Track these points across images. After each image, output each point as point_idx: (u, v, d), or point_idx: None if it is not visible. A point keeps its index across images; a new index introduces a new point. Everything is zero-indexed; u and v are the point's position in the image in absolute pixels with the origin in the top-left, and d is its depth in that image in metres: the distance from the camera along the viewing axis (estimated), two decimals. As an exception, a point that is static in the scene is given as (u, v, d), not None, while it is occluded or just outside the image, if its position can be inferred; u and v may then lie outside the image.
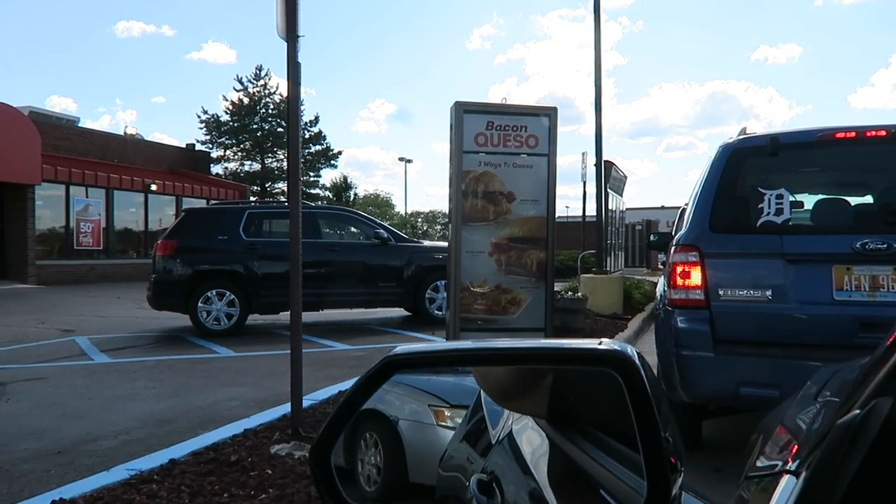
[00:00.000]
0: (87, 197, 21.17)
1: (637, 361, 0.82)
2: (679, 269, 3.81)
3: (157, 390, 5.80)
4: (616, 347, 0.84)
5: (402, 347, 0.96)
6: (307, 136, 41.05)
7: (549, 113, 6.48)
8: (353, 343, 8.39)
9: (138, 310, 11.95)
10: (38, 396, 5.61)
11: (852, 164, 4.00)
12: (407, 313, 10.91)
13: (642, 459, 0.79)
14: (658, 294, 4.45)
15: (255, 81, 40.42)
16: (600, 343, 0.86)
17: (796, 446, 1.00)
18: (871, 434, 0.73)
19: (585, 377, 1.01)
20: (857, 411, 0.75)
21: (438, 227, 61.87)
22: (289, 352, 4.30)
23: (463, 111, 6.30)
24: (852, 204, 3.97)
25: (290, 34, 4.22)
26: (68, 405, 5.28)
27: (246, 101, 40.30)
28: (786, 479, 0.81)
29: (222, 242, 9.56)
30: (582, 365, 0.90)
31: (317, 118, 42.57)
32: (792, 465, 0.84)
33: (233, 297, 9.27)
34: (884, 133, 3.64)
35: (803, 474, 0.79)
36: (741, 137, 3.99)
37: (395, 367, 0.94)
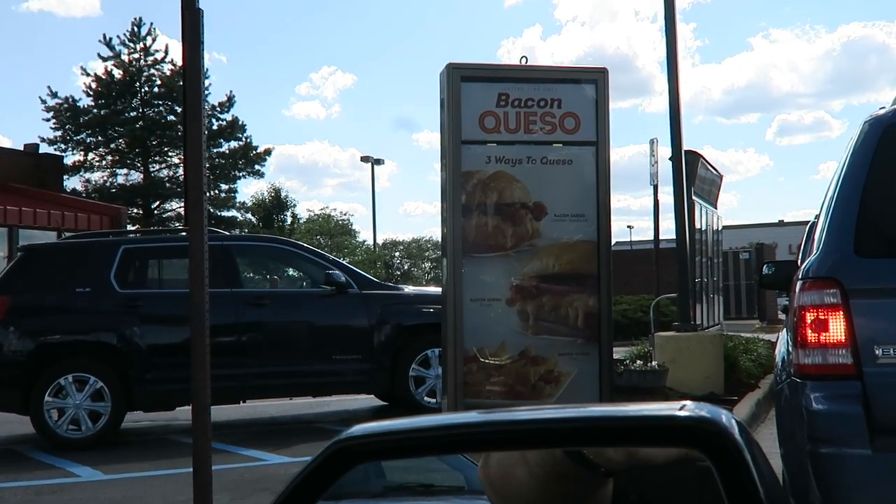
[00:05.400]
0: None
1: (738, 437, 0.84)
2: (810, 317, 3.82)
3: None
4: (704, 413, 0.86)
5: (364, 426, 0.97)
6: (216, 126, 41.34)
7: (596, 77, 6.57)
8: (296, 454, 8.30)
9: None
10: None
11: None
12: (381, 403, 10.84)
13: None
14: (779, 359, 4.45)
15: (131, 43, 40.89)
16: (682, 407, 0.89)
17: None
18: None
19: (672, 478, 1.02)
20: None
21: (427, 263, 61.92)
22: (191, 471, 4.29)
23: (460, 78, 6.38)
24: None
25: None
26: None
27: (118, 74, 40.68)
28: None
29: (83, 298, 9.53)
30: (649, 442, 0.92)
31: (230, 99, 42.88)
32: None
33: (100, 385, 9.22)
34: None
35: None
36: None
37: (352, 457, 0.96)
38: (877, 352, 3.73)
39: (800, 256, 6.11)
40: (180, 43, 4.48)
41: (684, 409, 0.88)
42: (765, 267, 5.85)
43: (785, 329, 4.43)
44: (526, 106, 6.44)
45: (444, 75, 6.42)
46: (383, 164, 50.53)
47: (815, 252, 3.99)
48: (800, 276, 4.03)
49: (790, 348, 3.97)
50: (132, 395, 9.33)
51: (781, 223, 67.54)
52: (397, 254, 61.93)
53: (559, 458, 1.02)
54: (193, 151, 4.55)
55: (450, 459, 1.97)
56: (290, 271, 12.02)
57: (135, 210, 39.81)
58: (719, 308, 17.84)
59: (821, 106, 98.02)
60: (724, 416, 0.86)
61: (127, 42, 40.79)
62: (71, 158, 40.13)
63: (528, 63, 6.76)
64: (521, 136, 6.47)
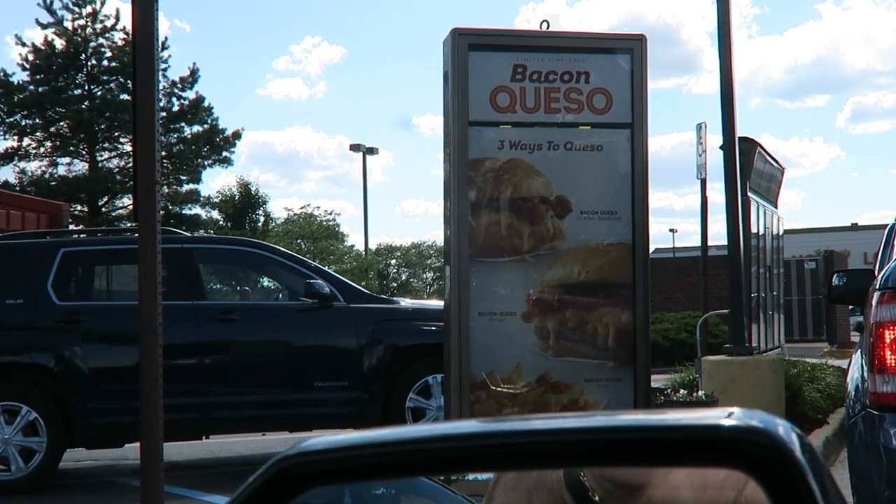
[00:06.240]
0: None
1: (799, 455, 0.83)
2: (890, 336, 3.86)
3: None
4: (755, 422, 0.86)
5: (318, 439, 0.96)
6: (176, 106, 41.45)
7: (633, 46, 6.57)
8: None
9: None
10: None
11: None
12: (371, 438, 10.86)
13: None
14: (851, 387, 4.44)
15: (76, 8, 41.04)
16: (729, 415, 0.88)
17: None
18: None
19: None
20: None
21: (429, 273, 62.10)
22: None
23: (467, 46, 6.37)
24: None
25: None
26: None
27: (60, 44, 40.84)
28: None
29: (14, 312, 9.52)
30: (681, 461, 0.92)
31: (194, 74, 43.03)
32: None
33: (34, 416, 9.20)
34: None
35: None
36: None
37: (300, 479, 0.94)
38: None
39: (877, 265, 6.09)
40: (130, 5, 4.47)
41: (732, 416, 0.86)
42: (835, 278, 5.84)
43: (859, 352, 4.42)
44: (547, 80, 6.43)
45: (449, 43, 6.42)
46: (377, 153, 50.72)
47: (895, 259, 4.01)
48: (877, 288, 4.05)
49: (865, 374, 3.98)
50: (73, 429, 9.30)
51: (855, 227, 67.64)
52: (393, 261, 62.19)
53: (565, 497, 1.01)
54: (145, 134, 4.55)
55: (425, 487, 1.97)
56: (264, 281, 12.05)
57: (79, 207, 39.93)
58: (780, 328, 17.82)
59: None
60: (782, 426, 0.84)
61: (71, 6, 40.94)
62: (2, 144, 40.30)
63: (550, 29, 6.75)
64: (540, 117, 6.47)
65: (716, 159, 12.34)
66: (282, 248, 11.99)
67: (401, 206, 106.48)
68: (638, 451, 0.91)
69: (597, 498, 1.06)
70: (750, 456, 0.83)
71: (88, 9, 40.93)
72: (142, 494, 4.34)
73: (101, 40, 41.09)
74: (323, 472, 0.97)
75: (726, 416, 0.87)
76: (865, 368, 4.01)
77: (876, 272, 4.87)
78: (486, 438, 0.97)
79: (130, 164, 33.60)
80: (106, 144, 41.82)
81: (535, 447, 0.94)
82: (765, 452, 0.83)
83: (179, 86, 41.66)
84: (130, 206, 39.31)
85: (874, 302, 3.98)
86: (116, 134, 41.15)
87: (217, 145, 42.86)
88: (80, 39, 40.85)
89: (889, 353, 3.83)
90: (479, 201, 6.44)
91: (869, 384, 3.91)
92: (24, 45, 40.99)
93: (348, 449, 0.98)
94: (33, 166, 41.37)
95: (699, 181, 16.70)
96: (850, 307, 17.73)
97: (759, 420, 0.85)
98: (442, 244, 7.63)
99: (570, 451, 0.93)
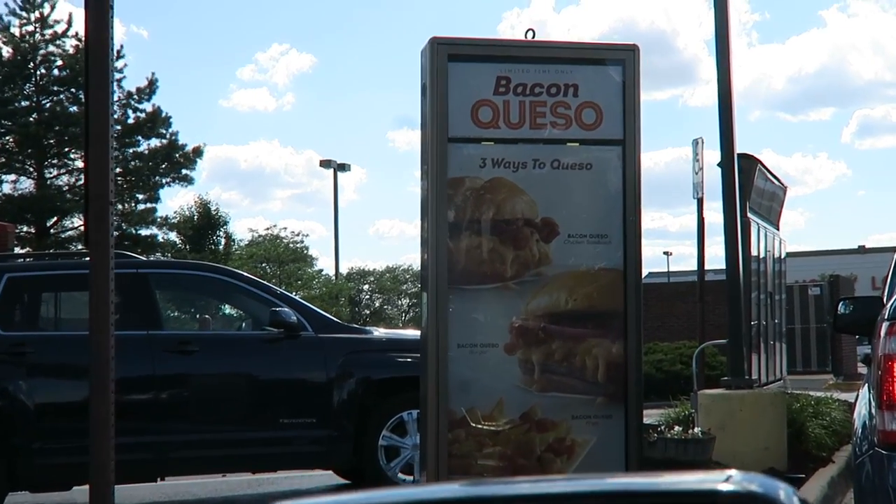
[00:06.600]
0: None
1: None
2: (901, 370, 3.86)
3: None
4: (754, 487, 0.90)
5: (303, 500, 0.96)
6: (132, 118, 41.37)
7: (624, 57, 6.60)
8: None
9: None
10: None
11: None
12: (342, 480, 10.81)
13: None
14: (858, 424, 4.45)
15: (23, 12, 40.97)
16: (727, 479, 0.88)
17: None
18: None
19: None
20: None
21: (404, 299, 62.00)
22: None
23: (447, 56, 6.38)
24: None
25: None
26: None
27: (6, 52, 40.75)
28: None
29: (-47, 342, 9.47)
30: None
31: (152, 84, 43.01)
32: None
33: (-25, 455, 9.14)
34: None
35: None
36: None
37: None
38: None
39: (886, 292, 6.11)
40: (83, 10, 4.46)
41: (730, 480, 0.87)
42: (841, 306, 5.85)
43: (866, 385, 4.43)
44: (533, 93, 6.45)
45: (427, 53, 6.43)
46: (349, 170, 50.82)
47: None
48: (886, 317, 4.06)
49: (873, 410, 3.99)
50: (16, 471, 9.23)
51: (862, 249, 68.08)
52: (366, 287, 62.02)
53: None
54: (98, 149, 4.54)
55: None
56: (226, 309, 12.00)
57: (25, 228, 39.73)
58: (782, 359, 17.86)
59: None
60: (783, 491, 0.85)
61: (18, 10, 40.88)
62: (-60, 160, 40.06)
63: (536, 38, 6.77)
64: (525, 133, 6.48)
65: (713, 177, 12.36)
66: (245, 273, 11.97)
67: (375, 226, 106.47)
68: None
69: None
70: None
71: (37, 13, 40.85)
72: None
73: (50, 48, 41.03)
74: None
75: (724, 479, 0.87)
76: (873, 404, 4.02)
77: (885, 300, 4.88)
78: (478, 501, 0.98)
79: (81, 182, 33.59)
80: (55, 161, 41.69)
81: None
82: None
83: (136, 97, 41.62)
84: (81, 227, 39.17)
85: (883, 332, 3.99)
86: (67, 149, 41.02)
87: (176, 162, 42.79)
88: (27, 46, 40.77)
89: (900, 387, 3.84)
90: (458, 223, 6.45)
91: (877, 421, 3.92)
92: (-36, 51, 40.85)
93: None
94: (-24, 184, 41.17)
95: (696, 200, 16.71)
96: (858, 336, 17.77)
97: (758, 484, 0.86)
98: (419, 269, 7.62)
99: None
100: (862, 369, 21.27)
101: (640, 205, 6.64)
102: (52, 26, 40.92)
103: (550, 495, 0.97)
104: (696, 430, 9.65)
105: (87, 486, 6.42)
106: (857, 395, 4.91)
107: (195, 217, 46.45)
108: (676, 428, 9.63)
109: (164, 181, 43.22)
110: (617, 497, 0.94)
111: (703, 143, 16.49)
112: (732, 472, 0.89)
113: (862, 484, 4.13)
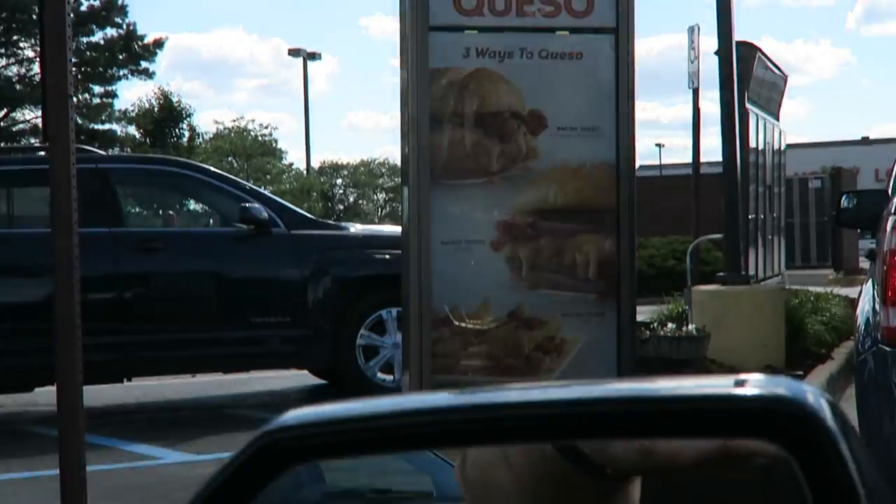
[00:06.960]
0: None
1: (832, 425, 0.84)
2: (905, 265, 3.91)
3: None
4: (782, 391, 0.86)
5: (300, 412, 0.98)
6: (85, 5, 40.77)
7: (616, -63, 6.52)
8: (201, 450, 8.35)
9: None
10: None
11: None
12: (318, 381, 10.93)
13: None
14: (861, 320, 4.51)
15: None
16: (744, 382, 0.88)
17: None
18: None
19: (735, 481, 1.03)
20: None
21: (380, 194, 61.92)
22: (58, 473, 4.30)
23: (426, -64, 6.31)
24: None
25: None
26: None
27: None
28: None
29: None
30: (707, 434, 0.91)
31: (106, -36, 42.34)
32: None
33: (-71, 359, 9.19)
34: None
35: None
36: None
37: (286, 455, 0.97)
38: None
39: (891, 184, 6.12)
40: None
41: (749, 384, 0.86)
42: (844, 199, 5.89)
43: (870, 281, 4.48)
44: (519, -23, 6.41)
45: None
46: (320, 59, 50.38)
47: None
48: (893, 210, 4.08)
49: (877, 307, 4.02)
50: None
51: (865, 140, 68.02)
52: (339, 181, 61.81)
53: (550, 456, 1.01)
54: (54, 39, 4.50)
55: (415, 457, 1.98)
56: (192, 205, 11.97)
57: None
58: (780, 254, 17.97)
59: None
60: (811, 393, 0.84)
61: None
62: None
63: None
64: (511, 21, 6.44)
65: (710, 66, 12.35)
66: (211, 168, 11.93)
67: (347, 118, 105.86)
68: (649, 426, 0.91)
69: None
70: (780, 428, 0.83)
71: None
72: (60, 444, 4.34)
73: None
74: (306, 448, 0.99)
75: (742, 383, 0.87)
76: (877, 300, 4.05)
77: (890, 193, 4.91)
78: (507, 409, 0.97)
79: (32, 73, 33.21)
80: (3, 50, 41.13)
81: (535, 421, 0.94)
82: (796, 423, 0.83)
83: (88, -22, 41.01)
84: (34, 120, 38.87)
85: (889, 227, 4.00)
86: (15, 37, 40.51)
87: (135, 53, 42.33)
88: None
89: (903, 283, 3.88)
90: (440, 116, 6.43)
91: (881, 317, 3.95)
92: None
93: (332, 423, 0.99)
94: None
95: (691, 90, 16.72)
96: (860, 230, 17.86)
97: (786, 387, 0.86)
98: (396, 162, 7.60)
99: (576, 425, 0.94)
100: (864, 264, 21.42)
101: (633, 97, 6.62)
102: None
103: (539, 402, 0.96)
104: (690, 327, 9.77)
105: (51, 388, 6.49)
106: (860, 291, 4.94)
107: (155, 109, 46.03)
108: (670, 325, 9.75)
109: (121, 74, 42.77)
110: (633, 402, 0.94)
111: (699, 30, 16.43)
112: (752, 375, 0.89)
113: (864, 381, 4.19)
